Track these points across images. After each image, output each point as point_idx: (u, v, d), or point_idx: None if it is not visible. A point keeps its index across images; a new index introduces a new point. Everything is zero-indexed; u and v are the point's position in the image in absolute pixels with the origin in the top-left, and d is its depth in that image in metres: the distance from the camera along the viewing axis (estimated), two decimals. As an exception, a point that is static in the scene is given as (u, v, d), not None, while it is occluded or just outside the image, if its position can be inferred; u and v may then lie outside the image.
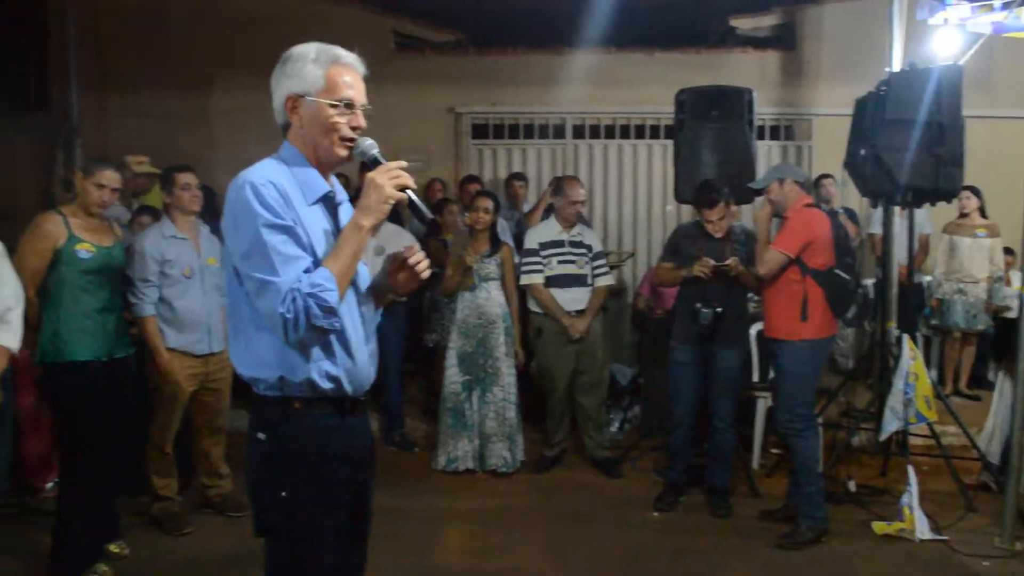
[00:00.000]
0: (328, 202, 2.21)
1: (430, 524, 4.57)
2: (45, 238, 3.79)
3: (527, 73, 7.60)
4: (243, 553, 3.70)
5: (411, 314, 6.07)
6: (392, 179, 2.08)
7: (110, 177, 3.87)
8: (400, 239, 5.39)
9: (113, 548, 4.07)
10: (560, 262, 5.29)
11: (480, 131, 7.89)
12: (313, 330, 2.02)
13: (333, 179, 2.27)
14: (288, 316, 1.99)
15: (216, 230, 4.49)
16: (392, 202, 2.08)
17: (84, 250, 3.82)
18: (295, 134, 2.18)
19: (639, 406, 6.24)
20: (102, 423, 3.86)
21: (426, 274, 2.24)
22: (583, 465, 5.49)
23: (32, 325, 3.75)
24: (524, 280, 5.33)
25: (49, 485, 4.89)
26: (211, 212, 4.77)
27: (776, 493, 4.86)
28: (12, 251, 3.70)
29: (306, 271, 2.03)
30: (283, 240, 2.03)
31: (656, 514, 4.74)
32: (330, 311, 2.02)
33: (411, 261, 2.22)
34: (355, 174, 6.14)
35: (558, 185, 5.47)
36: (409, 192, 2.11)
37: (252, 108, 6.85)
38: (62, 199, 6.57)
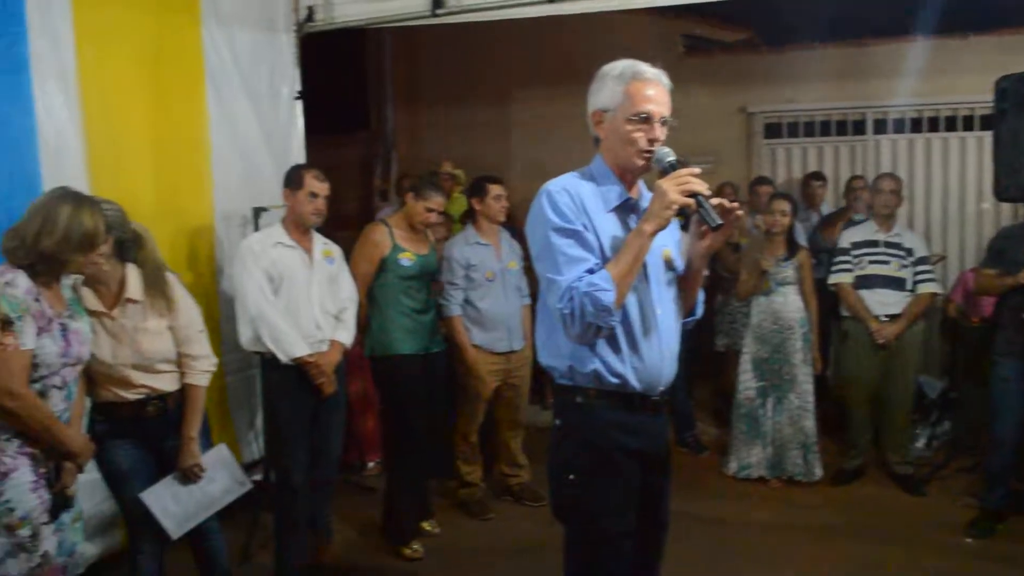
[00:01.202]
0: (626, 209, 2.30)
1: (724, 532, 4.51)
2: (373, 247, 4.22)
3: (823, 67, 7.23)
4: (541, 540, 3.93)
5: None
6: (679, 185, 2.10)
7: (438, 203, 4.27)
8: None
9: (426, 526, 4.47)
10: (872, 262, 5.01)
11: (773, 130, 7.67)
12: (588, 327, 2.12)
13: (641, 187, 2.36)
14: (565, 312, 2.12)
15: (513, 234, 4.81)
16: (675, 208, 2.11)
17: (405, 258, 4.22)
18: (603, 146, 2.32)
19: (949, 422, 5.76)
20: (421, 410, 4.25)
21: (739, 209, 2.17)
22: (883, 480, 5.15)
23: (361, 323, 4.20)
24: (831, 279, 5.13)
25: (371, 464, 5.47)
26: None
27: (1118, 530, 4.31)
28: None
29: (590, 271, 2.14)
30: (569, 243, 2.16)
31: (969, 540, 4.35)
32: (605, 310, 2.10)
33: (720, 203, 2.14)
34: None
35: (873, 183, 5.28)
36: (699, 198, 2.11)
37: (546, 118, 7.33)
38: (378, 208, 7.32)
